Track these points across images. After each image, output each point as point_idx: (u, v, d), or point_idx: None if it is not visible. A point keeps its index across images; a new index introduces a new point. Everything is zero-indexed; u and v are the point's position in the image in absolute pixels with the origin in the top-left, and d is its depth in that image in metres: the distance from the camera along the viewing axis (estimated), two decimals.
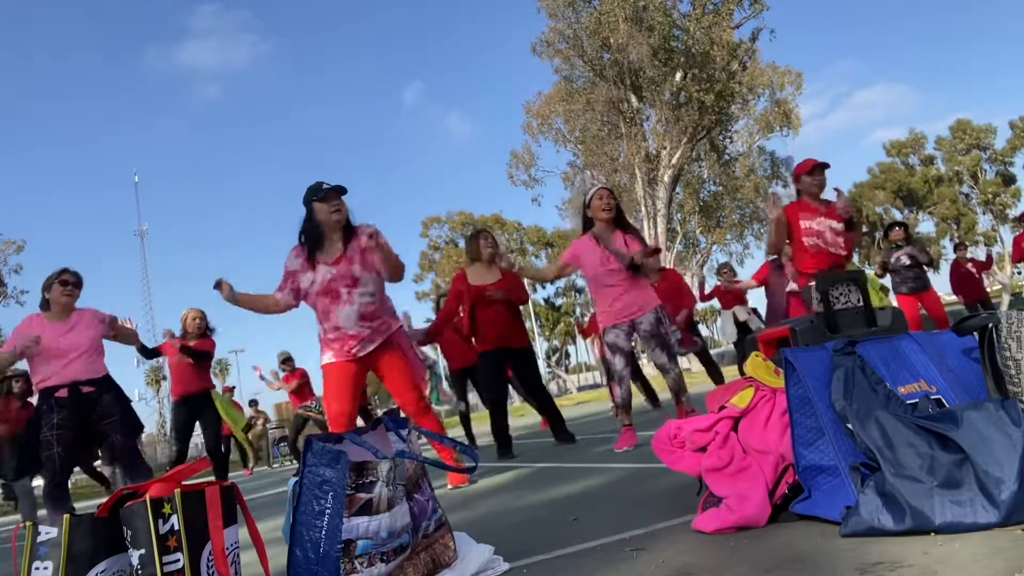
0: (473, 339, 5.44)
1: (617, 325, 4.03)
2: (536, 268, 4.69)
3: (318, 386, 9.31)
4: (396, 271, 3.44)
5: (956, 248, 9.63)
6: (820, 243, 4.14)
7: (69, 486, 4.45)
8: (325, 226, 3.33)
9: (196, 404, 6.07)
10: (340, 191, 3.33)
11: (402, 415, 1.84)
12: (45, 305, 4.12)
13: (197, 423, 6.16)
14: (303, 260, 3.37)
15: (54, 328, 4.02)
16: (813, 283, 4.14)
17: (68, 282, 4.10)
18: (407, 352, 3.57)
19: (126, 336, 4.46)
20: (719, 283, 7.84)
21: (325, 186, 3.29)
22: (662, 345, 4.00)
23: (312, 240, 3.35)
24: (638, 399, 9.07)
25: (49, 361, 3.98)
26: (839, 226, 4.17)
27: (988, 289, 9.35)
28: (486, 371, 5.17)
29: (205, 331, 6.20)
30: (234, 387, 13.46)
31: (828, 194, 4.22)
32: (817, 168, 4.23)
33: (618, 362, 4.04)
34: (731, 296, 7.66)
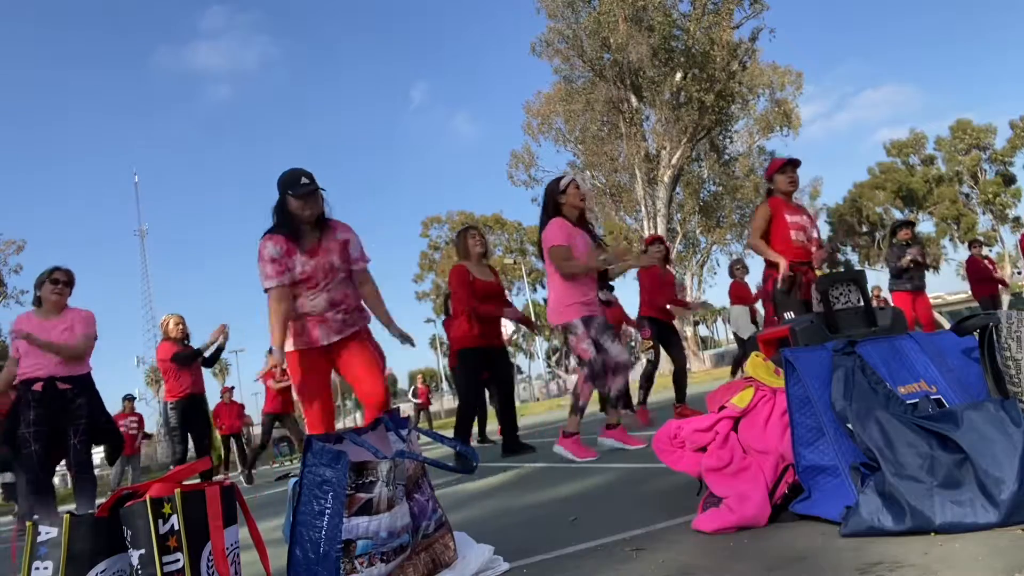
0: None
1: (593, 318, 3.89)
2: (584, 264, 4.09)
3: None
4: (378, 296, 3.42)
5: (971, 245, 9.59)
6: (804, 239, 4.15)
7: (55, 483, 4.48)
8: (298, 219, 3.21)
9: (196, 404, 6.21)
10: (317, 192, 3.19)
11: (402, 416, 1.83)
12: (37, 302, 4.22)
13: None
14: (285, 247, 3.20)
15: (43, 325, 4.12)
16: (789, 276, 4.07)
17: (59, 280, 4.19)
18: (374, 345, 3.46)
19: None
20: (735, 279, 7.82)
21: (304, 181, 3.15)
22: (619, 338, 3.96)
23: (289, 229, 3.21)
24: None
25: (35, 355, 4.07)
26: (811, 228, 4.23)
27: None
28: (467, 370, 5.06)
29: (186, 335, 6.32)
30: (233, 387, 13.40)
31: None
32: (788, 165, 4.17)
33: (599, 360, 3.87)
34: (745, 292, 7.63)
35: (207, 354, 6.29)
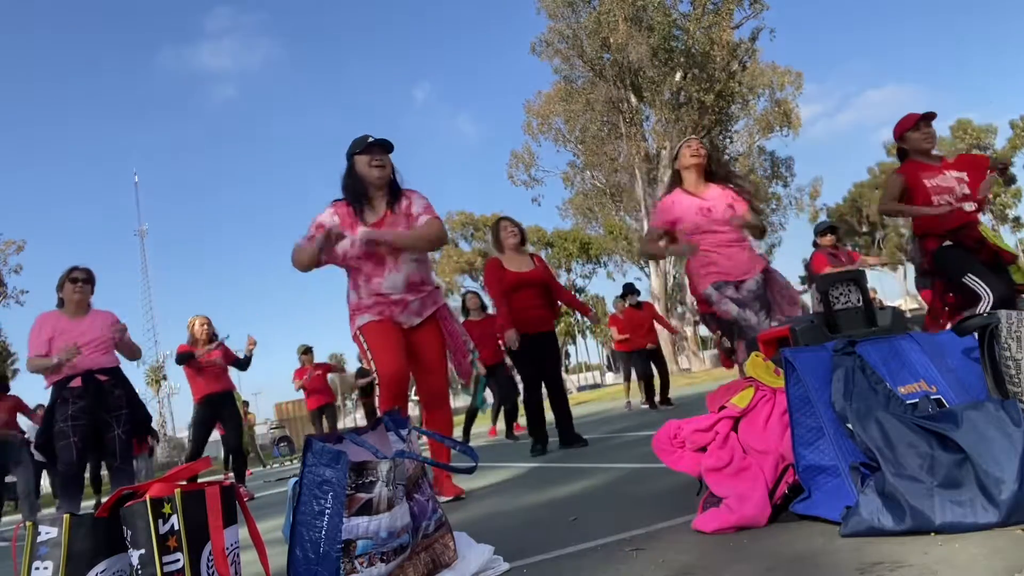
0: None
1: (720, 284, 3.46)
2: (656, 248, 3.81)
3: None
4: (433, 244, 3.09)
5: None
6: (952, 200, 3.64)
7: (85, 479, 4.46)
8: (366, 181, 3.02)
9: (217, 404, 6.15)
10: (386, 146, 3.05)
11: (402, 416, 1.83)
12: (61, 303, 4.25)
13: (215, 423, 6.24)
14: (345, 217, 3.00)
15: (70, 324, 4.14)
16: (939, 249, 3.61)
17: (78, 279, 4.21)
18: (451, 329, 3.20)
19: (129, 349, 4.47)
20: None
21: (370, 139, 3.03)
22: (767, 309, 3.45)
23: (354, 197, 3.01)
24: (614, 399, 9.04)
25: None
26: (964, 176, 3.68)
27: None
28: (519, 361, 4.99)
29: (213, 336, 6.28)
30: (234, 387, 13.37)
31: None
32: (922, 120, 3.70)
33: (751, 315, 3.38)
34: None
35: (240, 357, 6.25)
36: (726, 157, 29.33)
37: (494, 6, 77.50)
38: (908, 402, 1.51)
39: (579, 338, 53.72)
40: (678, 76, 24.19)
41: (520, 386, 5.33)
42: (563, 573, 1.55)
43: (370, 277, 3.01)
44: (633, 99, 24.84)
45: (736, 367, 3.49)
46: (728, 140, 28.66)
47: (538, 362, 4.98)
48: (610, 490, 2.66)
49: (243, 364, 6.29)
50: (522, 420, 6.19)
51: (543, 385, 5.06)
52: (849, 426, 1.48)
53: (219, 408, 6.16)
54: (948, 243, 3.67)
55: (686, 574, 1.36)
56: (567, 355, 55.57)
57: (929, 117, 3.68)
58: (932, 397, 1.56)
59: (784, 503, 1.62)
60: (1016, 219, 44.97)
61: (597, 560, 1.59)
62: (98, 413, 4.07)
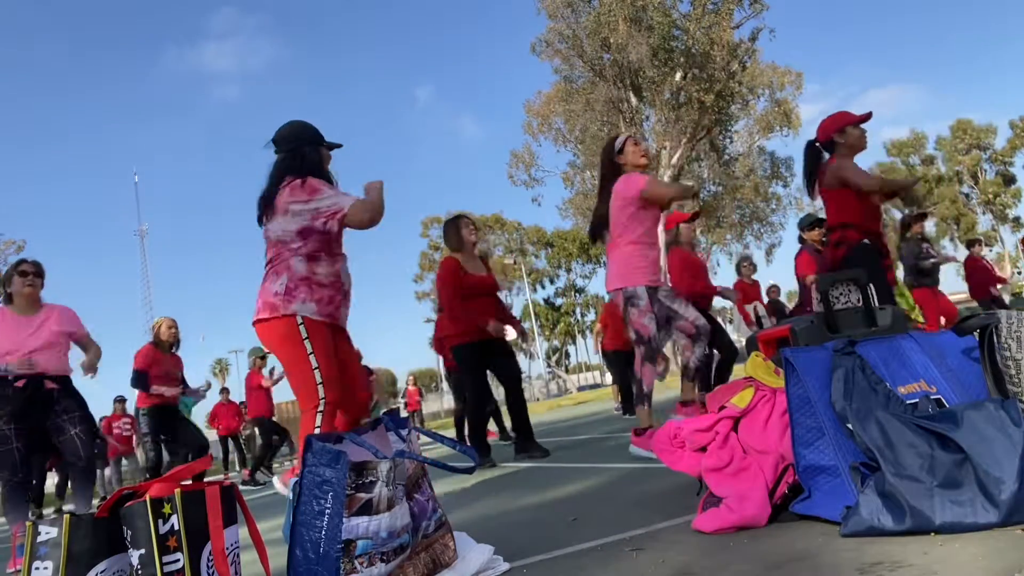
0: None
1: (658, 288, 3.51)
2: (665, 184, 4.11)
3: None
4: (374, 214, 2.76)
5: (970, 244, 9.38)
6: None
7: (32, 483, 4.13)
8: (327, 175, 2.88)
9: (167, 414, 6.06)
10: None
11: (403, 415, 1.83)
12: (8, 299, 3.99)
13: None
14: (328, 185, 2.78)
15: (19, 322, 3.89)
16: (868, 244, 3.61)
17: (27, 272, 3.95)
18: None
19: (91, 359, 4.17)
20: (740, 278, 7.74)
21: (328, 140, 2.94)
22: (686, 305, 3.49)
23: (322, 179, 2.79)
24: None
25: (12, 353, 3.81)
26: None
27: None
28: (468, 365, 4.82)
29: (177, 340, 6.18)
30: (228, 389, 13.29)
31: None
32: (862, 121, 3.69)
33: (664, 339, 3.48)
34: (751, 292, 7.56)
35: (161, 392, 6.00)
36: (726, 156, 29.35)
37: (494, 6, 77.60)
38: (908, 402, 1.51)
39: (579, 338, 53.75)
40: (678, 76, 24.18)
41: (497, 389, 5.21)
42: (563, 573, 1.55)
43: (334, 257, 2.77)
44: (633, 99, 24.84)
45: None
46: (728, 140, 28.66)
47: (485, 375, 4.86)
48: (610, 490, 2.66)
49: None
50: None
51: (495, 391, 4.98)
52: (849, 426, 1.48)
53: (170, 418, 6.02)
54: (866, 241, 3.65)
55: (686, 574, 1.36)
56: (567, 355, 55.58)
57: (867, 118, 3.70)
58: (932, 397, 1.56)
59: (784, 503, 1.62)
60: (1016, 219, 44.99)
61: (597, 560, 1.59)
62: (41, 420, 3.82)
